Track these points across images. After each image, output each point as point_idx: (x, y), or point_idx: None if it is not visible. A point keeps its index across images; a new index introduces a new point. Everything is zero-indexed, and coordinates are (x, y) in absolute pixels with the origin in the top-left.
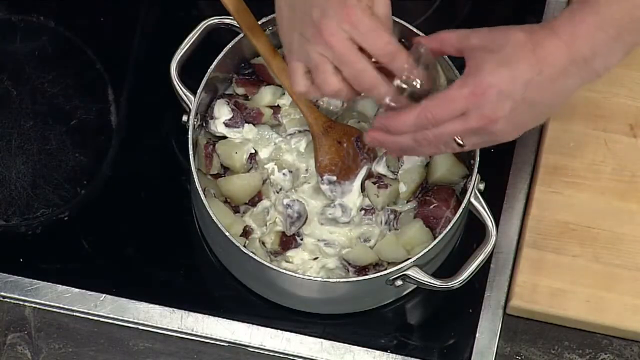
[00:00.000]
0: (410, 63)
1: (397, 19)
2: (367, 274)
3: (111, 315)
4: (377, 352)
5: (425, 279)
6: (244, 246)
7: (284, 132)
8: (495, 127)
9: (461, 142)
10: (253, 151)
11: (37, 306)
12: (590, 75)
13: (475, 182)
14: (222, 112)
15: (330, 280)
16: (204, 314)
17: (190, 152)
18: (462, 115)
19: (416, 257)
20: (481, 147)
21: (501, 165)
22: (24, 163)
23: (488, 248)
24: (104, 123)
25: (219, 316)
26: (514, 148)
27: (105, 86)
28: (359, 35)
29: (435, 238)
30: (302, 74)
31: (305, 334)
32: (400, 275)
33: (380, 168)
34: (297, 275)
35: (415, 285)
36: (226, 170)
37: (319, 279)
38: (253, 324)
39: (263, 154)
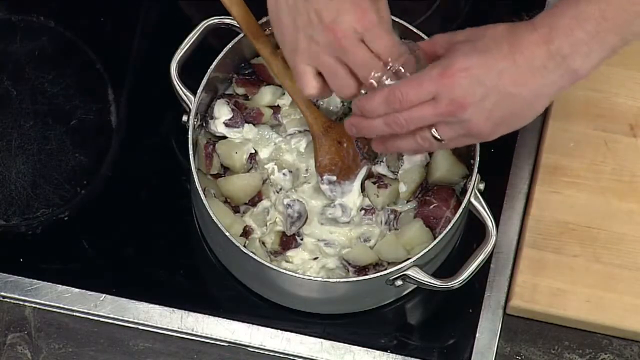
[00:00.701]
0: (412, 65)
1: (397, 19)
2: (367, 274)
3: (111, 315)
4: (377, 352)
5: (425, 279)
6: (244, 246)
7: (284, 132)
8: (466, 114)
9: (437, 136)
10: (253, 151)
11: (37, 306)
12: (571, 75)
13: (475, 182)
14: (222, 112)
15: (330, 280)
16: (204, 314)
17: (190, 152)
18: (433, 100)
19: (416, 257)
20: (461, 143)
21: (501, 165)
22: (24, 163)
23: (488, 248)
24: (104, 123)
25: (219, 316)
26: (514, 148)
27: (105, 86)
28: (370, 37)
29: (435, 238)
30: (313, 77)
31: (305, 334)
32: (400, 275)
33: (380, 168)
34: (297, 275)
35: (415, 285)
36: (226, 170)
37: (319, 279)
38: (253, 324)
39: (263, 154)
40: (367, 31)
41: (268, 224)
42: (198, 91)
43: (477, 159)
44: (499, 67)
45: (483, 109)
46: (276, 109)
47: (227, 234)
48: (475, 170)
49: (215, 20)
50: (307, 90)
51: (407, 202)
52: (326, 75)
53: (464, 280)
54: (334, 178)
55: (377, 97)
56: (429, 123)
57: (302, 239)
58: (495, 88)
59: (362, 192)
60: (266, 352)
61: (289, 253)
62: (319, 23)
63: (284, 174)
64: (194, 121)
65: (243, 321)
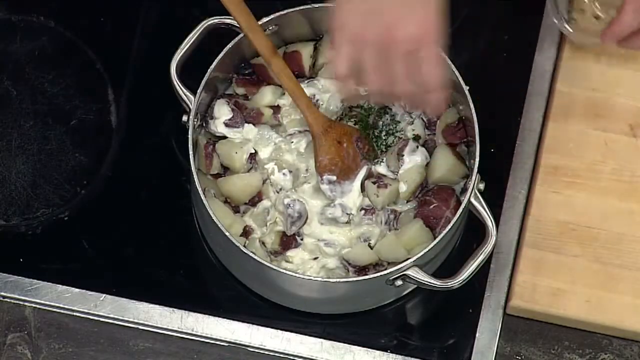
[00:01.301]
0: (440, 100)
1: None
2: (367, 274)
3: (111, 315)
4: (377, 352)
5: (425, 279)
6: (244, 246)
7: (284, 132)
8: None
9: None
10: (253, 151)
11: (37, 306)
12: None
13: (475, 182)
14: (222, 112)
15: (330, 280)
16: (204, 314)
17: (190, 152)
18: None
19: (416, 257)
20: None
21: (501, 165)
22: (24, 163)
23: (488, 248)
24: (104, 123)
25: (219, 316)
26: (514, 148)
27: (105, 86)
28: (424, 54)
29: (435, 238)
30: (347, 61)
31: (305, 334)
32: (400, 275)
33: (380, 168)
34: (297, 275)
35: (415, 285)
36: (226, 170)
37: (319, 279)
38: (253, 324)
39: (263, 154)
40: (422, 47)
41: (268, 224)
42: (198, 91)
43: (477, 159)
44: None
45: None
46: (276, 109)
47: (227, 234)
48: (475, 170)
49: (215, 20)
50: (339, 70)
51: (407, 202)
52: (366, 69)
53: (464, 280)
54: (334, 178)
55: (623, 18)
56: None
57: (302, 239)
58: None
59: (362, 192)
60: (266, 352)
61: (289, 253)
62: (380, 19)
63: (284, 174)
64: (194, 121)
65: (243, 321)
